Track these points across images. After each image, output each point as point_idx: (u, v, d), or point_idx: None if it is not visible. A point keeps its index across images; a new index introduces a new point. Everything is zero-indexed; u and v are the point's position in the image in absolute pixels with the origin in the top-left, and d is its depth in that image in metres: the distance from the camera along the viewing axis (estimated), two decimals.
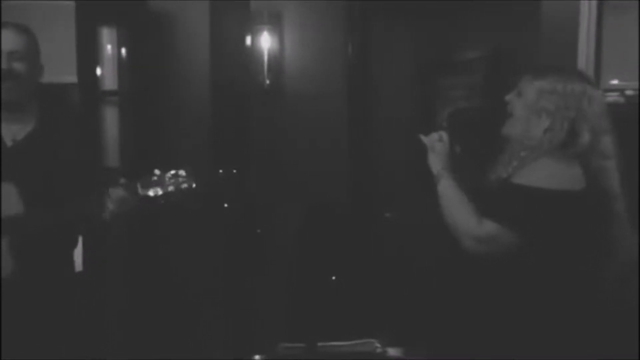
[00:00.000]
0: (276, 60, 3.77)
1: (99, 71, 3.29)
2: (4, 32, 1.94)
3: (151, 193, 1.91)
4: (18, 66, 1.93)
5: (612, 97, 2.98)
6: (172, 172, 1.92)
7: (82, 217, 1.95)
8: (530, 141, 1.78)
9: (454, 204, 1.80)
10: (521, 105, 1.83)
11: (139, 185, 1.91)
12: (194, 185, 1.94)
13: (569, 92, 1.76)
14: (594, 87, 1.83)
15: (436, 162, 1.89)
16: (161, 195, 1.91)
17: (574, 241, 1.74)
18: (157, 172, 1.92)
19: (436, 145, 1.90)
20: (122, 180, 1.91)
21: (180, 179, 1.92)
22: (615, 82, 2.96)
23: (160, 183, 1.91)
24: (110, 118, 3.33)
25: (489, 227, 1.72)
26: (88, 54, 3.19)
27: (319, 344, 3.19)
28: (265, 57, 3.75)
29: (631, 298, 2.12)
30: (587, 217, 1.74)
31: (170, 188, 1.91)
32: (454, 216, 1.79)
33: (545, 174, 1.71)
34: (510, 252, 1.73)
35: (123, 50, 3.30)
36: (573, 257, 1.76)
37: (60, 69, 3.18)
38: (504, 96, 1.89)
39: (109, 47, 3.31)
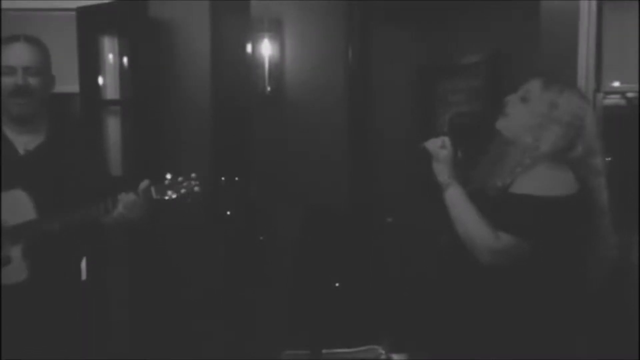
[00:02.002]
0: (277, 67, 3.77)
1: (100, 80, 3.29)
2: (18, 47, 1.96)
3: (165, 197, 1.93)
4: (33, 82, 1.95)
5: (613, 99, 2.98)
6: (184, 176, 1.94)
7: (94, 221, 1.96)
8: (536, 151, 1.80)
9: (467, 216, 1.80)
10: (526, 112, 1.85)
11: (153, 190, 1.92)
12: (201, 188, 1.95)
13: (579, 112, 1.82)
14: (591, 107, 1.91)
15: (442, 171, 1.88)
16: (174, 199, 1.93)
17: (572, 244, 1.79)
18: (168, 176, 1.94)
19: (440, 152, 1.89)
20: (146, 183, 1.92)
21: (193, 183, 1.94)
22: (616, 84, 2.96)
23: (173, 187, 1.93)
24: (113, 127, 3.34)
25: (506, 240, 1.74)
26: (89, 63, 3.20)
27: (323, 350, 3.18)
28: (266, 64, 3.75)
29: (614, 293, 2.18)
30: (580, 220, 1.79)
31: (183, 191, 1.93)
32: (469, 230, 1.79)
33: (548, 182, 1.76)
34: (519, 259, 1.75)
35: (124, 59, 3.30)
36: (571, 259, 1.80)
37: (61, 79, 3.20)
38: (504, 100, 1.91)
39: (110, 56, 3.32)
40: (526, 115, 1.84)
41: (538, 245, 1.74)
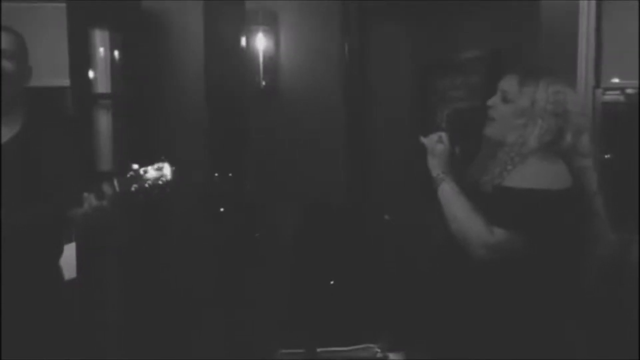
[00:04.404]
0: (272, 61, 3.73)
1: (91, 74, 3.26)
2: None
3: (131, 189, 1.84)
4: (7, 65, 1.92)
5: (613, 95, 2.98)
6: (150, 166, 1.86)
7: (60, 217, 1.89)
8: (525, 147, 1.79)
9: (460, 212, 1.78)
10: (510, 112, 1.84)
11: (116, 182, 1.84)
12: (171, 178, 1.87)
13: (559, 97, 1.80)
14: (571, 88, 1.90)
15: (436, 165, 1.86)
16: (140, 191, 1.85)
17: (566, 240, 1.77)
18: (135, 167, 1.86)
19: (436, 147, 1.88)
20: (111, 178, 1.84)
21: (158, 173, 1.86)
22: (615, 80, 2.95)
23: (137, 178, 1.85)
24: (103, 121, 3.31)
25: (500, 235, 1.72)
26: (80, 56, 3.17)
27: (319, 349, 3.17)
28: (261, 58, 3.71)
29: (610, 293, 2.18)
30: (575, 215, 1.77)
31: (149, 182, 1.85)
32: (462, 225, 1.77)
33: (539, 175, 1.74)
34: (514, 255, 1.73)
35: (116, 53, 3.27)
36: (565, 255, 1.78)
37: (52, 72, 3.17)
38: (486, 103, 1.90)
39: (101, 49, 3.29)
40: (511, 115, 1.83)
41: (532, 241, 1.72)
